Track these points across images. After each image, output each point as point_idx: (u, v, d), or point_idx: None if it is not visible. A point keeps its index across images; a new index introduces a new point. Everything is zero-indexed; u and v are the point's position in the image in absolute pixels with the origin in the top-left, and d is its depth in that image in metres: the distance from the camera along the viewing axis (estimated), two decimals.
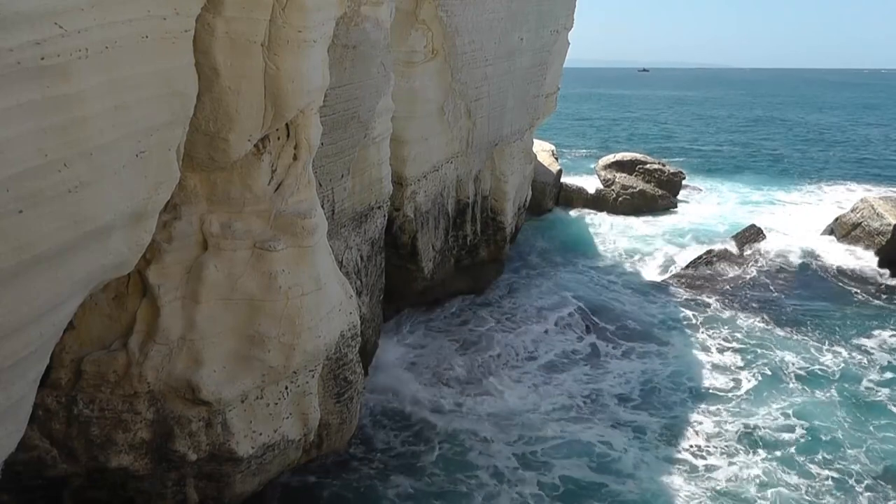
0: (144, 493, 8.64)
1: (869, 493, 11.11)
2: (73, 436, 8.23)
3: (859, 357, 16.05)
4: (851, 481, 11.40)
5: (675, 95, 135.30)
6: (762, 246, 24.14)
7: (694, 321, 18.10)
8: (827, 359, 15.90)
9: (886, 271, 21.71)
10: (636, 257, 24.10)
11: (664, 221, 28.96)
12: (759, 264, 22.51)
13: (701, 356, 16.00)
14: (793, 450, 12.24)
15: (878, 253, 22.30)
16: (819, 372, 15.28)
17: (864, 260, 22.53)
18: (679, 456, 12.07)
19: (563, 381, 14.77)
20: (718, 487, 11.16)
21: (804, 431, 12.78)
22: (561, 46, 23.00)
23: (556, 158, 31.49)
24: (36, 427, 8.06)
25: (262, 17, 7.46)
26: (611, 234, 27.09)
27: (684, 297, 19.89)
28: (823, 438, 12.55)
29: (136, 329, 8.20)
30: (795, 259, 23.03)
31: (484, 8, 16.97)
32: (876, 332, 17.47)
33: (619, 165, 31.64)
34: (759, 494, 10.98)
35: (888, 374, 15.17)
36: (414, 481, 11.26)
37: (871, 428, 13.00)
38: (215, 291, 8.32)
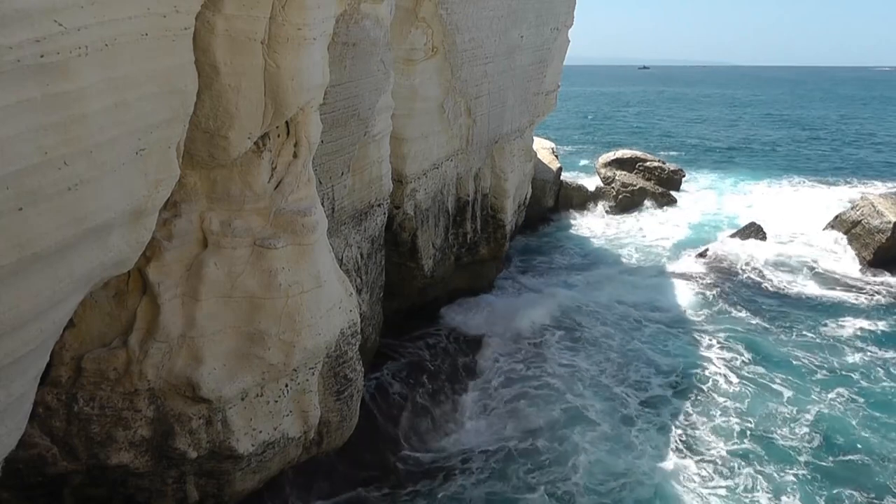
0: (144, 491, 8.65)
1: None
2: (74, 433, 8.24)
3: (860, 355, 16.01)
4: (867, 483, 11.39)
5: (676, 92, 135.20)
6: (762, 243, 24.15)
7: (694, 319, 18.09)
8: (831, 356, 15.89)
9: (885, 269, 21.70)
10: (636, 255, 24.09)
11: (664, 219, 28.95)
12: (758, 262, 22.50)
13: (701, 355, 15.94)
14: (803, 454, 12.17)
15: (877, 251, 22.29)
16: (825, 370, 15.25)
17: (863, 257, 22.53)
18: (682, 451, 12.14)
19: (562, 378, 14.75)
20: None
21: (816, 435, 12.67)
22: (561, 44, 22.99)
23: (556, 156, 31.46)
24: (36, 424, 8.06)
25: (261, 14, 7.46)
26: (610, 231, 27.09)
27: (684, 294, 19.87)
28: (835, 440, 12.51)
29: (136, 326, 8.20)
30: (795, 257, 23.04)
31: (484, 5, 16.95)
32: (878, 330, 17.44)
33: (619, 163, 31.65)
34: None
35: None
36: None
37: (878, 426, 13.00)
38: (215, 289, 8.33)
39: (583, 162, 42.31)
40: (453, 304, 18.62)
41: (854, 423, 13.08)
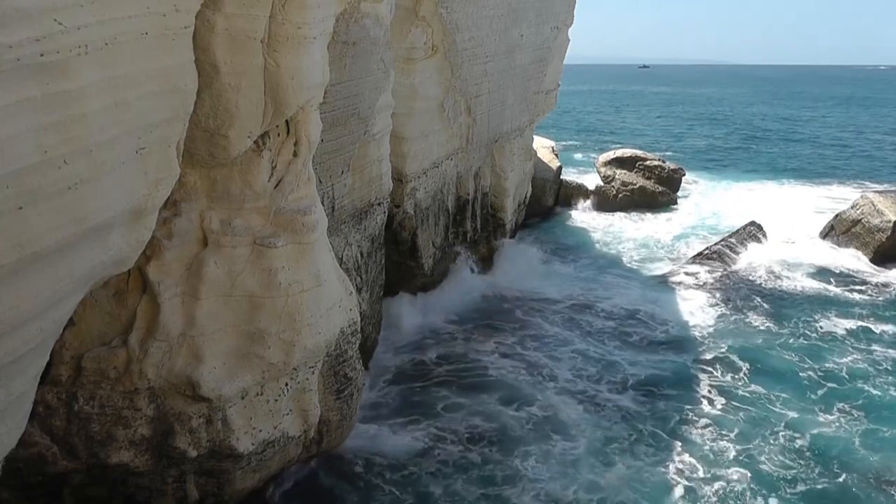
0: (145, 490, 8.65)
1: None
2: (74, 432, 8.24)
3: (861, 357, 15.73)
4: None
5: (676, 91, 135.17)
6: (761, 243, 24.15)
7: (688, 322, 17.86)
8: (831, 360, 15.40)
9: (886, 268, 21.69)
10: (635, 254, 24.06)
11: (664, 218, 28.91)
12: (758, 262, 22.46)
13: (693, 363, 15.31)
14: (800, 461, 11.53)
15: (877, 250, 22.27)
16: (825, 377, 14.65)
17: (863, 257, 22.52)
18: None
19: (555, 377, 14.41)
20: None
21: (813, 454, 11.78)
22: (561, 43, 23.00)
23: (556, 155, 31.45)
24: (36, 423, 8.07)
25: (261, 13, 7.47)
26: (610, 230, 27.06)
27: (683, 294, 19.81)
28: (833, 461, 11.62)
29: (136, 326, 8.21)
30: (795, 256, 22.98)
31: (484, 4, 16.96)
32: (880, 331, 17.25)
33: (619, 162, 31.61)
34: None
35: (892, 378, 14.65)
36: None
37: (881, 445, 12.17)
38: (215, 288, 8.33)
39: (582, 159, 42.29)
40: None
41: (857, 442, 12.19)
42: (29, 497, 8.48)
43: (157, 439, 8.40)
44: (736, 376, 14.74)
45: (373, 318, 14.17)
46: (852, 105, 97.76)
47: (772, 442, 12.15)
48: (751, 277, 21.23)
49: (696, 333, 17.08)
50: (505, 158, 20.69)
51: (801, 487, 10.98)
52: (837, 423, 12.83)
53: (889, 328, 17.45)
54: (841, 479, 11.16)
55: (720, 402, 13.58)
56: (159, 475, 8.60)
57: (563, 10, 22.36)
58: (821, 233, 25.03)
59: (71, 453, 8.31)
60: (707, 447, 11.96)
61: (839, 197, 32.38)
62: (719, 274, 21.34)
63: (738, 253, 23.08)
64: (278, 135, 8.72)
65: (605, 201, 30.33)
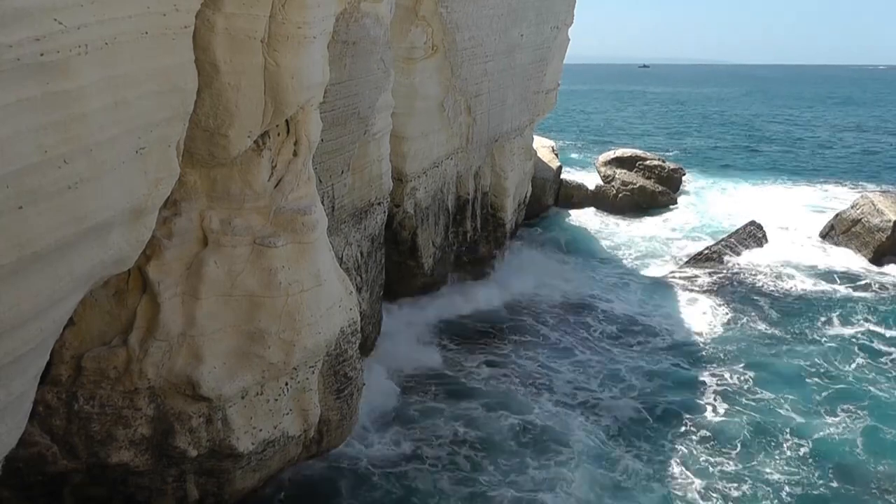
0: (145, 490, 8.65)
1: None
2: (74, 432, 8.24)
3: (864, 358, 15.55)
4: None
5: (676, 91, 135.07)
6: (761, 243, 24.15)
7: (693, 321, 17.80)
8: (834, 362, 15.26)
9: (886, 268, 21.69)
10: (635, 254, 24.05)
11: (664, 218, 28.90)
12: (758, 261, 22.45)
13: (692, 368, 15.09)
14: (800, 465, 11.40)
15: (877, 249, 22.28)
16: (827, 377, 14.52)
17: (863, 256, 22.53)
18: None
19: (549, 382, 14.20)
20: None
21: (817, 462, 11.55)
22: (561, 42, 22.99)
23: (556, 154, 31.44)
24: (36, 423, 8.07)
25: (261, 13, 7.47)
26: (610, 230, 27.06)
27: (683, 295, 19.78)
28: (837, 467, 11.39)
29: (136, 325, 8.21)
30: (795, 256, 22.99)
31: (484, 4, 16.96)
32: (879, 332, 17.20)
33: (619, 161, 31.59)
34: None
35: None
36: None
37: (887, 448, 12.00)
38: (215, 288, 8.33)
39: (582, 159, 42.29)
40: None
41: (861, 446, 12.00)
42: (29, 497, 8.48)
43: (157, 439, 8.40)
44: (741, 378, 14.57)
45: (372, 317, 14.18)
46: (851, 105, 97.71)
47: (776, 448, 11.98)
48: (751, 278, 21.20)
49: (697, 336, 16.95)
50: (505, 158, 20.68)
51: (806, 494, 10.81)
52: (844, 425, 12.71)
53: (891, 328, 17.40)
54: (845, 485, 11.00)
55: (723, 407, 13.36)
56: (159, 475, 8.60)
57: (564, 10, 22.35)
58: (821, 232, 25.05)
59: (71, 453, 8.31)
60: (710, 454, 11.77)
61: (839, 197, 32.38)
62: (720, 274, 21.33)
63: (738, 253, 23.07)
64: (278, 134, 8.72)
65: (605, 201, 30.30)
